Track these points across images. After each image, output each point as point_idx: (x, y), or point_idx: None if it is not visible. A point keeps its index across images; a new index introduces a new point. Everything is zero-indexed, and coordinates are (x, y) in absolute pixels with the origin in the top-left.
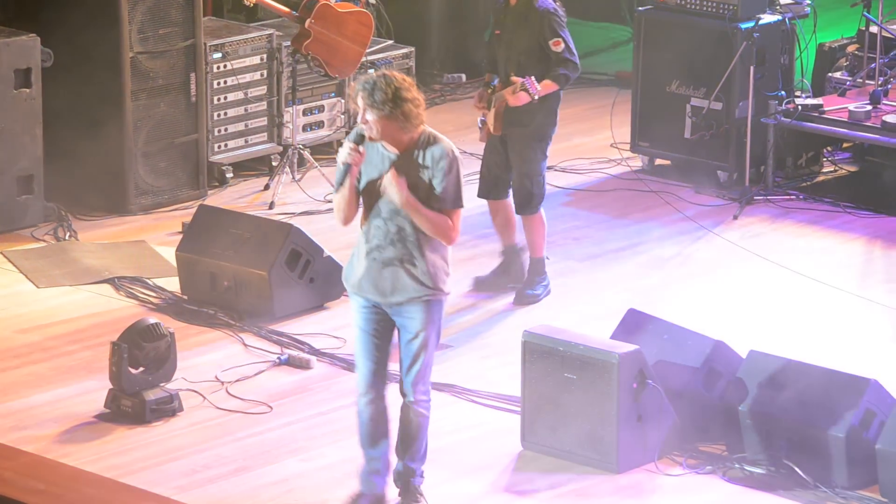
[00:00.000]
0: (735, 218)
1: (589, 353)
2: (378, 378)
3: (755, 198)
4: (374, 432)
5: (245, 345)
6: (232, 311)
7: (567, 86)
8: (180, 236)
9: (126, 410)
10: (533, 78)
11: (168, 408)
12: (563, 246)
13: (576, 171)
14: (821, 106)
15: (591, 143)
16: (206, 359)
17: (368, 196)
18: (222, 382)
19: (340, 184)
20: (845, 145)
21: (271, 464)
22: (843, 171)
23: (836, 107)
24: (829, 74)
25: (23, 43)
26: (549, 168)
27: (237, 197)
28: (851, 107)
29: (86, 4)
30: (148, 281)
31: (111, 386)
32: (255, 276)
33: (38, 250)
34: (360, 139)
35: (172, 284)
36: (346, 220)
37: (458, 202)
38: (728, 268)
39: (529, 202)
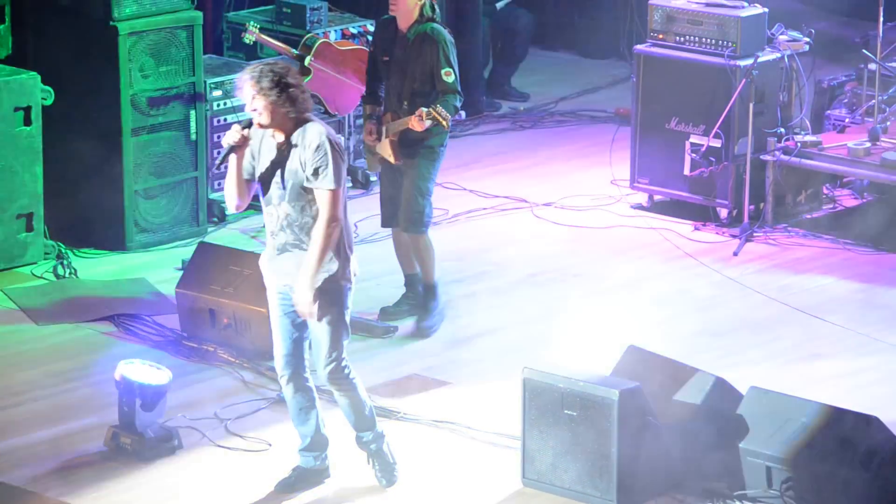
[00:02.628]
0: (735, 255)
1: (589, 390)
2: (295, 358)
3: (755, 234)
4: (299, 410)
5: (245, 382)
6: (231, 348)
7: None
8: (180, 273)
9: (126, 448)
10: (438, 106)
11: (168, 445)
12: (563, 282)
13: (576, 207)
14: (820, 143)
15: (590, 179)
16: (205, 396)
17: (263, 184)
18: (222, 419)
19: (221, 165)
20: (845, 181)
21: (270, 501)
22: (843, 208)
23: (835, 144)
24: (828, 112)
25: (23, 81)
26: (548, 204)
27: (236, 234)
28: (850, 144)
29: (86, 42)
30: (148, 318)
31: (111, 423)
32: (255, 314)
33: (38, 288)
34: (248, 125)
35: (172, 321)
36: (236, 207)
37: (327, 182)
38: (728, 304)
39: (419, 220)
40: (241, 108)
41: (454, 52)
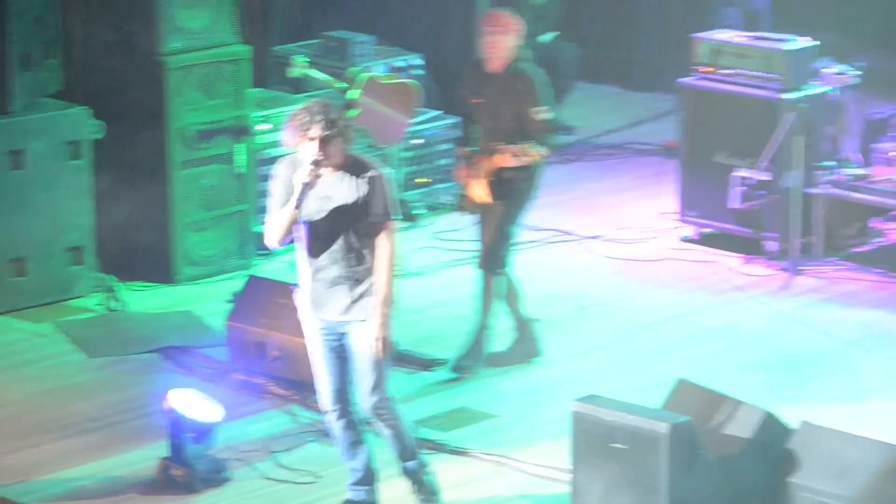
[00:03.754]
0: (784, 288)
1: (639, 424)
2: (342, 394)
3: (804, 268)
4: (350, 445)
5: (293, 414)
6: (280, 380)
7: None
8: (229, 306)
9: (176, 479)
10: (530, 143)
11: (217, 477)
12: (612, 316)
13: (624, 240)
14: (869, 176)
15: (638, 212)
16: (254, 428)
17: (311, 219)
18: (271, 452)
19: (292, 204)
20: (893, 213)
21: None
22: (892, 242)
23: (884, 177)
24: (877, 144)
25: (72, 115)
26: (596, 237)
27: (284, 266)
28: None
29: (135, 76)
30: (197, 351)
31: (161, 455)
32: (303, 346)
33: (88, 321)
34: (317, 163)
35: (221, 354)
36: (279, 242)
37: (390, 215)
38: (777, 338)
39: (495, 261)
40: None
41: (548, 91)
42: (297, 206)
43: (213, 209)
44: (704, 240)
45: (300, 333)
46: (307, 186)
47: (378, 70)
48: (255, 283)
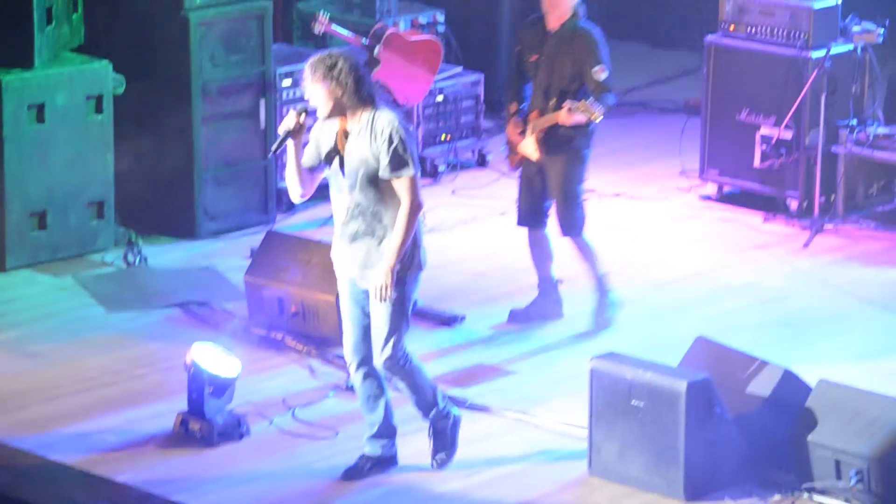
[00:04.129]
0: (805, 246)
1: (657, 381)
2: (364, 346)
3: (825, 226)
4: (368, 397)
5: (312, 370)
6: (299, 336)
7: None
8: (248, 261)
9: (194, 433)
10: (593, 98)
11: (235, 432)
12: (631, 273)
13: (645, 198)
14: (892, 135)
15: (659, 170)
16: (272, 384)
17: (332, 173)
18: (289, 407)
19: (276, 152)
20: None
21: (336, 489)
22: None
23: None
24: None
25: (95, 69)
26: (617, 195)
27: (305, 222)
28: None
29: (157, 31)
30: (216, 306)
31: (180, 409)
32: (323, 302)
33: (108, 275)
34: (304, 111)
35: (241, 309)
36: (299, 196)
37: (405, 169)
38: (797, 296)
39: (576, 224)
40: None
41: (606, 50)
42: (273, 153)
43: (234, 165)
44: (725, 198)
45: (319, 289)
46: (288, 133)
47: (401, 26)
48: (274, 238)
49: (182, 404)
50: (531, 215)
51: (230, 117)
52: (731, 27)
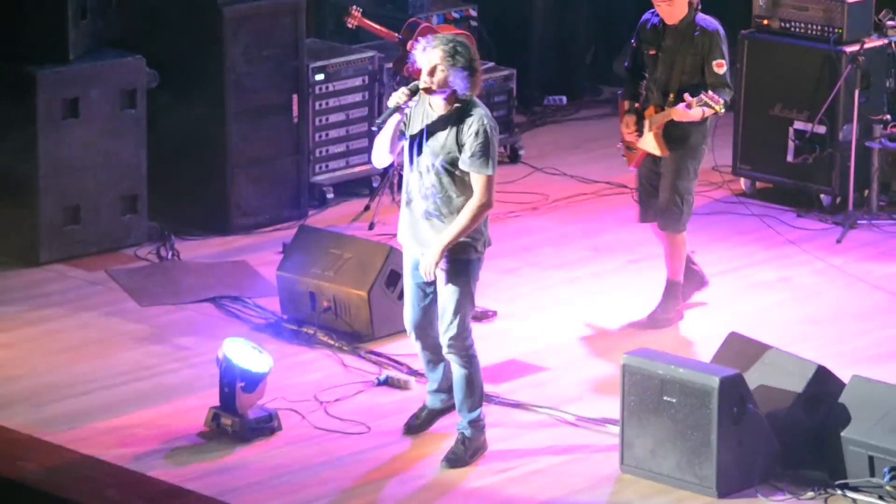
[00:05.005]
0: (838, 242)
1: (689, 377)
2: (423, 323)
3: (859, 222)
4: (427, 362)
5: (344, 365)
6: (331, 331)
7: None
8: (280, 256)
9: (226, 429)
10: (711, 92)
11: (267, 427)
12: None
13: None
14: None
15: None
16: (304, 379)
17: (414, 150)
18: (321, 402)
19: (381, 124)
20: None
21: (369, 484)
22: None
23: None
24: None
25: (128, 64)
26: None
27: (337, 217)
28: None
29: (190, 25)
30: (248, 300)
31: (212, 404)
32: (355, 297)
33: (141, 269)
34: (415, 90)
35: (272, 304)
36: (383, 161)
37: (485, 167)
38: (831, 292)
39: (678, 219)
40: (343, 93)
41: (726, 45)
42: (379, 127)
43: (267, 160)
44: (758, 193)
45: (351, 284)
46: (397, 108)
47: (434, 21)
48: (306, 233)
49: (214, 399)
50: (651, 212)
51: (263, 112)
52: (765, 22)
